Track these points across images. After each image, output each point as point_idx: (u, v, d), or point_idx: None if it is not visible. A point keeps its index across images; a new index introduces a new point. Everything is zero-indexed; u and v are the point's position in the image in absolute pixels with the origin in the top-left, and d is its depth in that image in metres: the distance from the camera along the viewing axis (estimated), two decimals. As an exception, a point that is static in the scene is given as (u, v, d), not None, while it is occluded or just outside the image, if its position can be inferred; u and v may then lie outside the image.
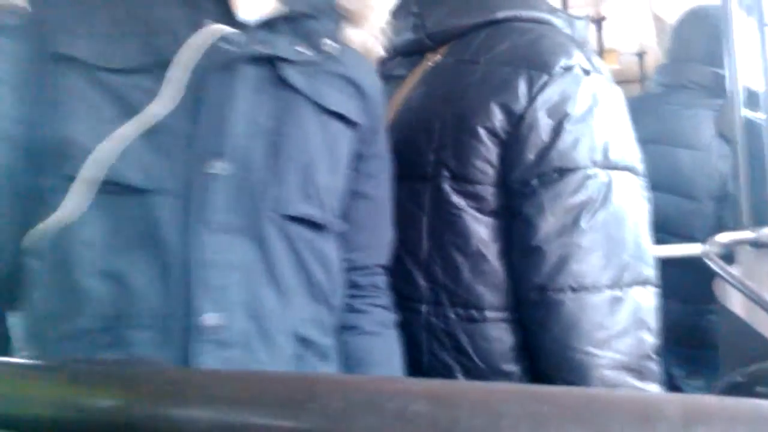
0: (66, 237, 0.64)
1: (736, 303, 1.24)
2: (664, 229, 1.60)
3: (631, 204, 0.83)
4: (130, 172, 0.64)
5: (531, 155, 0.82)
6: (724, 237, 1.15)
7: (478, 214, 0.87)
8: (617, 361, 0.79)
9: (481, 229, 0.86)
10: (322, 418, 0.36)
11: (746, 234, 1.13)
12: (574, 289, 0.79)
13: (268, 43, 0.70)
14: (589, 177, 0.81)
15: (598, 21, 3.55)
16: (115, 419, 0.46)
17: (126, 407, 0.47)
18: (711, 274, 1.41)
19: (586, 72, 0.84)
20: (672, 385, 1.65)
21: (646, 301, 0.82)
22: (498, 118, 0.84)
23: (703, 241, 1.16)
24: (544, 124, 0.82)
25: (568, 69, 0.83)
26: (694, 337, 1.57)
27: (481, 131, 0.85)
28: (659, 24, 3.49)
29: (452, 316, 0.88)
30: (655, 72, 1.82)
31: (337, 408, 0.36)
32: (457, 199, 0.87)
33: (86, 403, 0.49)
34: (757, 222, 1.18)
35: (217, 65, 0.67)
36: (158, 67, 0.66)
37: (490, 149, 0.85)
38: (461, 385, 0.31)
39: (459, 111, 0.88)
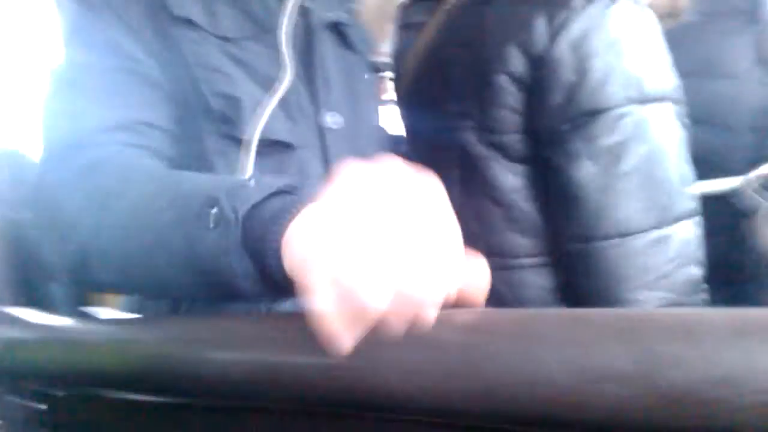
0: None
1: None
2: (700, 164, 1.56)
3: (670, 137, 0.79)
4: (281, 132, 0.70)
5: (558, 99, 0.78)
6: (765, 169, 1.11)
7: (507, 162, 0.84)
8: (669, 300, 0.77)
9: (511, 177, 0.84)
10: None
11: (789, 165, 1.09)
12: (617, 237, 0.77)
13: (329, 10, 0.81)
14: (623, 115, 0.76)
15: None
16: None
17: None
18: (749, 211, 1.37)
19: (612, 1, 0.78)
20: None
21: (692, 233, 0.80)
22: (518, 62, 0.80)
23: (743, 174, 1.12)
24: (568, 64, 0.77)
25: (590, 1, 0.78)
26: (729, 274, 1.54)
27: (502, 78, 0.81)
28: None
29: (489, 265, 0.88)
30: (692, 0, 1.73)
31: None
32: (483, 149, 0.84)
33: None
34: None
35: (305, 32, 0.77)
36: (261, 35, 0.73)
37: (513, 96, 0.81)
38: (498, 312, 0.30)
39: (477, 57, 0.84)
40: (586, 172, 0.77)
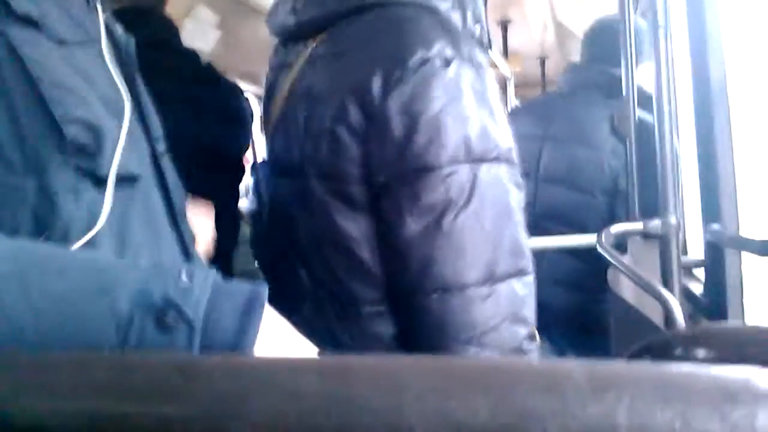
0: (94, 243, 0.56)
1: (627, 290, 1.30)
2: (560, 221, 1.69)
3: (499, 196, 0.81)
4: (131, 164, 0.61)
5: (388, 155, 0.78)
6: (617, 228, 1.20)
7: (348, 212, 0.83)
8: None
9: (352, 226, 0.83)
10: (207, 401, 0.32)
11: (637, 225, 1.19)
12: (439, 292, 0.78)
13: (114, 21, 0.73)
14: (448, 175, 0.77)
15: (504, 24, 3.67)
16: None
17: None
18: (603, 264, 1.49)
19: (447, 62, 0.79)
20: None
21: (519, 292, 0.81)
22: (355, 115, 0.80)
23: (596, 232, 1.21)
24: (398, 122, 0.77)
25: (424, 62, 0.78)
26: (587, 324, 1.66)
27: (341, 129, 0.81)
28: (561, 30, 3.66)
29: (331, 313, 0.87)
30: (564, 71, 1.90)
31: (223, 390, 0.32)
32: (326, 197, 0.84)
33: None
34: (647, 214, 1.25)
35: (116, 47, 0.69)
36: (88, 42, 0.62)
37: (351, 148, 0.81)
38: (357, 359, 0.28)
39: (320, 108, 0.84)
40: (409, 227, 0.78)
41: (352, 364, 0.29)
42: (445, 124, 0.77)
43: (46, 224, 0.53)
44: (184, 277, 0.44)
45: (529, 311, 0.82)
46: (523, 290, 0.81)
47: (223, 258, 1.51)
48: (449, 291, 0.77)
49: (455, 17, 0.89)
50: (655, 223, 1.19)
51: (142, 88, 0.71)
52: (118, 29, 0.70)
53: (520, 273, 0.81)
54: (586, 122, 1.67)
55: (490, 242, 0.79)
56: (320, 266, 0.86)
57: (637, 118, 1.38)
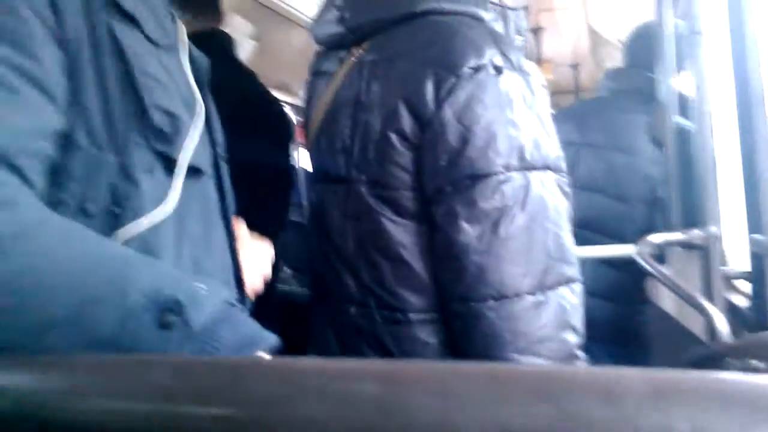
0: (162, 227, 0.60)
1: (667, 302, 1.28)
2: (597, 230, 1.66)
3: (551, 204, 0.81)
4: (198, 157, 0.66)
5: (442, 161, 0.79)
6: (656, 238, 1.18)
7: (397, 218, 0.84)
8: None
9: (401, 233, 0.83)
10: (262, 404, 0.32)
11: (677, 235, 1.17)
12: (495, 299, 0.77)
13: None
14: (503, 182, 0.77)
15: (536, 31, 3.64)
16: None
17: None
18: (641, 275, 1.46)
19: (499, 70, 0.80)
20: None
21: (570, 300, 0.80)
22: (407, 122, 0.81)
23: (634, 242, 1.19)
24: (453, 129, 0.78)
25: (477, 69, 0.79)
26: (624, 336, 1.62)
27: (392, 136, 0.82)
28: (594, 37, 3.62)
29: (378, 318, 0.86)
30: (604, 76, 1.87)
31: (278, 393, 0.33)
32: (374, 203, 0.84)
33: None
34: (687, 224, 1.23)
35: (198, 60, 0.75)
36: (171, 47, 0.69)
37: (402, 154, 0.82)
38: (411, 364, 0.28)
39: (370, 114, 0.85)
40: (465, 234, 0.78)
41: (406, 370, 0.29)
42: (499, 131, 0.78)
43: (121, 199, 0.57)
44: (199, 286, 0.46)
45: (579, 319, 0.81)
46: (573, 298, 0.81)
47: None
48: (505, 298, 0.77)
49: (498, 28, 0.91)
50: (696, 233, 1.17)
51: (209, 98, 0.76)
52: (195, 49, 0.76)
53: (569, 280, 0.81)
54: (625, 129, 1.65)
55: (543, 250, 0.78)
56: (368, 272, 0.86)
57: (675, 124, 1.36)
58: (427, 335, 0.84)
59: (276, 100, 1.62)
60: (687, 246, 1.21)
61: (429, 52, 0.82)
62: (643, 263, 1.13)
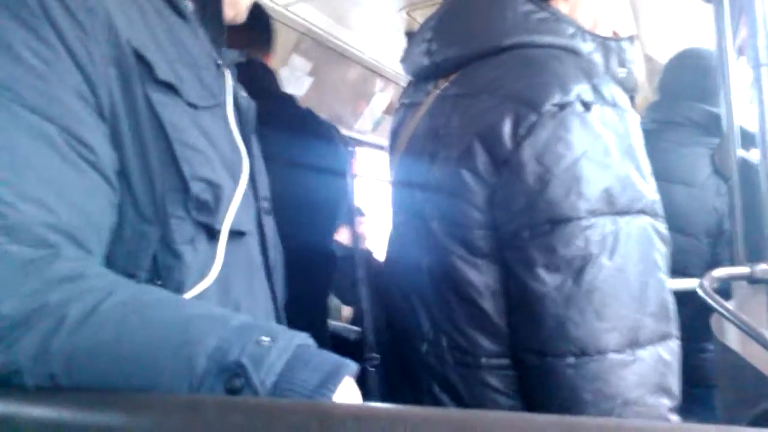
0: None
1: (733, 339, 1.23)
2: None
3: (645, 252, 0.73)
4: (241, 221, 0.65)
5: (519, 204, 0.73)
6: (721, 272, 1.15)
7: (470, 257, 0.79)
8: None
9: (473, 273, 0.79)
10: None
11: (742, 269, 1.13)
12: (575, 356, 0.70)
13: (239, 84, 0.75)
14: (587, 228, 0.71)
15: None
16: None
17: None
18: (704, 311, 1.42)
19: (587, 107, 0.73)
20: (666, 423, 1.64)
21: (664, 359, 0.72)
22: (481, 159, 0.76)
23: (699, 276, 1.16)
24: (532, 170, 0.72)
25: (562, 107, 0.73)
26: (689, 375, 1.57)
27: (465, 173, 0.78)
28: (650, 64, 3.56)
29: (449, 359, 0.82)
30: (647, 109, 1.85)
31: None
32: (447, 241, 0.81)
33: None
34: (753, 258, 1.19)
35: (236, 110, 0.71)
36: (215, 107, 0.67)
37: (475, 192, 0.77)
38: (490, 414, 0.29)
39: (446, 148, 0.82)
40: (543, 282, 0.72)
41: (485, 420, 0.30)
42: (584, 172, 0.72)
43: (163, 271, 0.57)
44: (264, 340, 0.45)
45: (674, 381, 0.73)
46: (669, 357, 0.73)
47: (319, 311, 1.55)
48: (587, 355, 0.70)
49: (597, 59, 0.84)
50: (763, 267, 1.13)
51: (256, 149, 0.75)
52: (242, 93, 0.74)
53: (665, 337, 0.73)
54: (683, 161, 1.62)
55: (635, 303, 0.71)
56: (440, 311, 0.83)
57: (739, 157, 1.33)
58: (500, 382, 0.78)
59: (325, 126, 1.62)
60: (753, 281, 1.17)
61: (511, 87, 0.77)
62: (706, 298, 1.10)
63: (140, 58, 0.58)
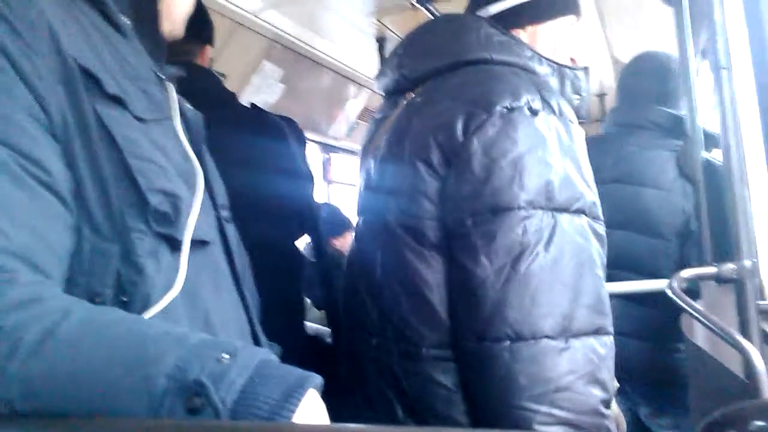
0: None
1: (702, 338, 1.25)
2: (629, 268, 1.63)
3: (581, 248, 0.78)
4: (202, 230, 0.64)
5: (465, 192, 0.79)
6: (689, 272, 1.17)
7: (418, 248, 0.84)
8: (557, 417, 0.74)
9: (421, 264, 0.84)
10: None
11: (710, 269, 1.15)
12: (511, 339, 0.74)
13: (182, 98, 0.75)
14: (525, 218, 0.76)
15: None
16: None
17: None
18: (675, 313, 1.44)
19: (534, 113, 0.80)
20: (639, 424, 1.66)
21: (597, 351, 0.77)
22: (435, 152, 0.83)
23: (665, 277, 1.18)
24: (479, 160, 0.79)
25: (511, 110, 0.80)
26: (660, 375, 1.59)
27: (420, 165, 0.84)
28: (618, 67, 3.62)
29: (394, 351, 0.86)
30: (608, 113, 1.87)
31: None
32: (399, 231, 0.86)
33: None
34: (720, 258, 1.21)
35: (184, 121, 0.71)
36: (163, 120, 0.66)
37: (428, 184, 0.83)
38: None
39: (404, 146, 0.88)
40: (484, 268, 0.76)
41: None
42: (526, 166, 0.78)
43: (128, 287, 0.56)
44: (224, 357, 0.44)
45: (608, 374, 0.77)
46: (603, 350, 0.77)
47: (292, 306, 1.53)
48: (522, 340, 0.74)
49: (553, 83, 0.93)
50: (730, 267, 1.15)
51: (208, 159, 0.75)
52: (188, 106, 0.75)
53: (598, 331, 0.78)
54: (651, 164, 1.63)
55: (569, 293, 0.76)
56: (388, 303, 0.87)
57: (703, 159, 1.35)
58: (440, 375, 0.82)
59: (269, 118, 1.59)
60: (721, 280, 1.19)
61: (466, 93, 0.85)
62: (675, 299, 1.12)
63: (86, 72, 0.56)
